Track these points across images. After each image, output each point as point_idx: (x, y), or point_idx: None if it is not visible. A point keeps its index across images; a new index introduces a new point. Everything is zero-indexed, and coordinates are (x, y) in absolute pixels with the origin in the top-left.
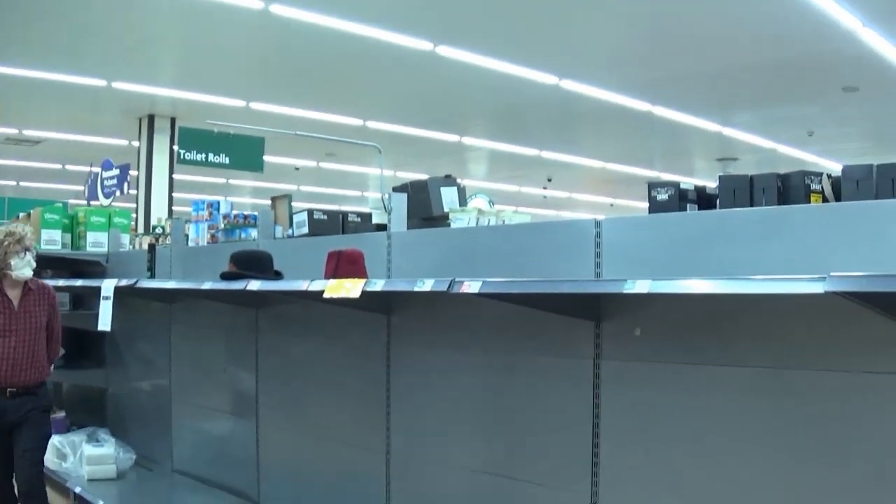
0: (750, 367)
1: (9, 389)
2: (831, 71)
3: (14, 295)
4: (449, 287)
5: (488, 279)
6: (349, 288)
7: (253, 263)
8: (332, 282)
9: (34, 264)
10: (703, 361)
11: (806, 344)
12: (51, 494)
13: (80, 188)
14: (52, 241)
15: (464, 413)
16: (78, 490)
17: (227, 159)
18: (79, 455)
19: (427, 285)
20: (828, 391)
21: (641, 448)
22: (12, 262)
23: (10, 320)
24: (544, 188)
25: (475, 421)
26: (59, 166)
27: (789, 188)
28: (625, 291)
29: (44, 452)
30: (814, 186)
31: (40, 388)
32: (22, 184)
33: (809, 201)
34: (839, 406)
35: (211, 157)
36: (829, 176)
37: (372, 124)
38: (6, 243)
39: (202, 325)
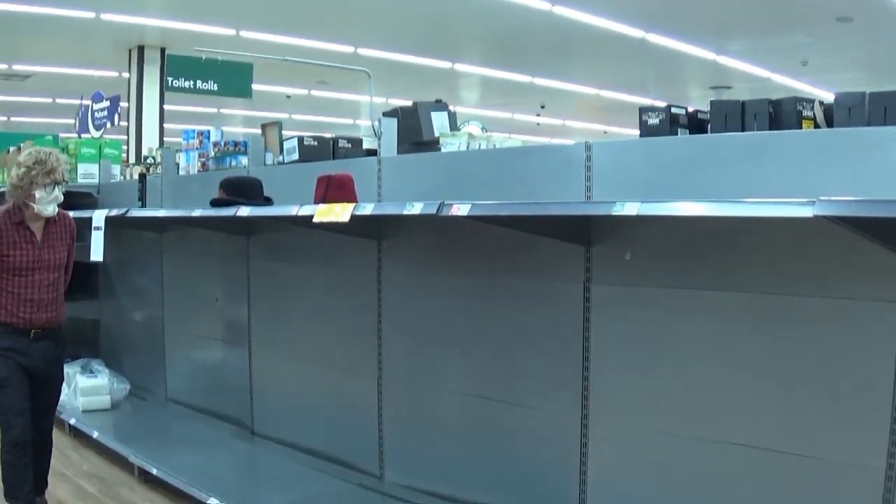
0: (740, 291)
1: (33, 331)
2: (825, 0)
3: (37, 227)
4: (438, 210)
5: (477, 202)
6: (338, 212)
7: (243, 189)
8: (322, 206)
9: (61, 199)
10: (692, 286)
11: (795, 270)
12: None
13: (71, 121)
14: None
15: (455, 337)
16: (73, 421)
17: (216, 86)
18: (73, 386)
19: (416, 208)
20: (816, 317)
21: (631, 371)
22: (36, 195)
23: (33, 257)
24: (537, 115)
25: (467, 345)
26: (49, 100)
27: (781, 114)
28: (613, 213)
29: (57, 404)
30: (806, 113)
31: (59, 329)
32: (13, 119)
33: (801, 127)
34: (827, 331)
35: (199, 83)
36: (821, 103)
37: (363, 51)
38: (33, 172)
39: (194, 254)
